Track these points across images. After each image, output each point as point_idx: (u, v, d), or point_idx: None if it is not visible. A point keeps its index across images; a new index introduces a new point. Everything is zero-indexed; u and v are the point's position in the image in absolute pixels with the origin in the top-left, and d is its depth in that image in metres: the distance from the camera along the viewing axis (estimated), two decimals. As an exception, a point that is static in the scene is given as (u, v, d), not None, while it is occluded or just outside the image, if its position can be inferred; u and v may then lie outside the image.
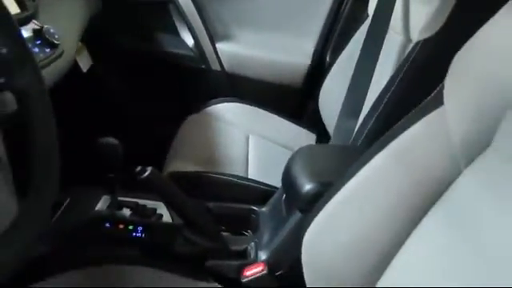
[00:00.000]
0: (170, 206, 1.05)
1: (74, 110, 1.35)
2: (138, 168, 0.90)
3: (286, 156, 1.01)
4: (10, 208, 0.53)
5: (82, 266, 0.92)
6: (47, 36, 0.97)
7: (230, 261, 1.02)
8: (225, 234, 1.11)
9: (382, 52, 1.11)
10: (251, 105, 1.60)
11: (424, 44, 1.01)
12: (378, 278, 0.62)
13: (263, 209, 1.18)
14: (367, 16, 1.34)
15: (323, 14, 1.66)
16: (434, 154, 0.60)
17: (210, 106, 1.55)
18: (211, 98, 1.59)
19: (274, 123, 1.57)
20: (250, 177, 1.29)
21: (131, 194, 1.10)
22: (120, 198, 1.07)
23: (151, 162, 1.16)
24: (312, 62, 1.67)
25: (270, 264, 0.99)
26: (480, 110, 0.55)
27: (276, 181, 1.02)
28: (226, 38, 1.70)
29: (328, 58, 1.66)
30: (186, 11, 1.61)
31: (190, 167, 1.25)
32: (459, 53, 0.61)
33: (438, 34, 0.99)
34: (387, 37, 1.13)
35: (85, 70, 1.44)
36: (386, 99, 1.05)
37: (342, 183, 0.68)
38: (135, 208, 1.06)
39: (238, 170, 1.29)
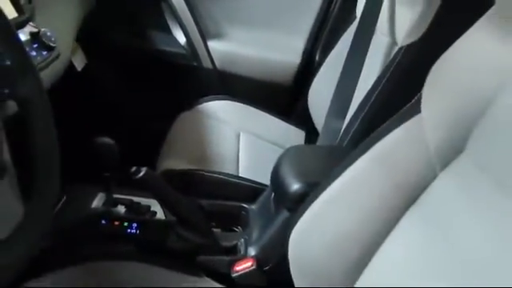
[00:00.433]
0: (163, 205, 1.07)
1: (69, 109, 1.36)
2: (133, 168, 0.92)
3: (275, 153, 1.03)
4: (15, 211, 0.56)
5: (78, 262, 0.93)
6: (44, 39, 0.99)
7: (221, 256, 1.05)
8: (216, 230, 1.14)
9: (369, 53, 1.13)
10: (242, 102, 1.62)
11: (408, 48, 1.02)
12: (358, 275, 0.66)
13: (253, 206, 1.20)
14: (355, 17, 1.35)
15: (313, 13, 1.67)
16: (412, 158, 0.63)
17: (201, 103, 1.57)
18: (203, 95, 1.60)
19: (264, 121, 1.59)
20: (240, 174, 1.31)
21: (126, 192, 1.11)
22: (115, 196, 1.08)
23: (144, 158, 1.17)
24: (302, 60, 1.68)
25: (259, 260, 1.02)
26: (454, 118, 0.58)
27: (265, 178, 1.03)
28: (217, 36, 1.71)
29: (318, 57, 1.67)
30: (178, 9, 1.62)
31: (182, 165, 1.26)
32: (436, 64, 0.64)
33: (421, 39, 1.01)
34: (374, 38, 1.14)
35: (79, 68, 1.45)
36: (371, 100, 1.06)
37: (327, 184, 0.71)
38: (130, 205, 1.07)
39: (229, 168, 1.31)
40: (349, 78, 1.14)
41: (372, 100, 1.06)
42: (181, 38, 1.69)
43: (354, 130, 1.08)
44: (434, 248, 0.56)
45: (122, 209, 1.08)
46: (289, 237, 0.74)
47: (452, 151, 0.59)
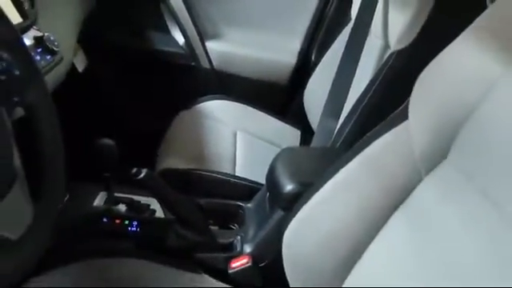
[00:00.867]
0: (163, 204, 1.09)
1: (69, 108, 1.37)
2: (134, 170, 0.94)
3: (271, 152, 1.06)
4: (26, 213, 0.60)
5: (80, 258, 0.95)
6: (48, 43, 1.01)
7: (218, 253, 1.07)
8: (213, 227, 1.16)
9: (362, 55, 1.14)
10: (239, 102, 1.64)
11: (399, 53, 1.05)
12: (348, 274, 0.69)
13: (249, 205, 1.22)
14: (350, 19, 1.36)
15: (309, 14, 1.69)
16: (399, 162, 0.66)
17: (199, 103, 1.59)
18: (201, 94, 1.62)
19: (261, 120, 1.61)
20: (237, 173, 1.33)
21: (126, 190, 1.13)
22: (116, 195, 1.10)
23: (143, 156, 1.20)
24: (298, 60, 1.71)
25: (254, 257, 1.04)
26: (438, 125, 0.61)
27: (261, 177, 1.04)
28: (215, 36, 1.73)
29: (313, 57, 1.69)
30: (177, 10, 1.63)
31: (181, 164, 1.29)
32: (422, 73, 0.66)
33: (412, 45, 1.03)
34: (368, 40, 1.16)
35: (80, 69, 1.46)
36: (363, 103, 1.09)
37: (319, 185, 0.74)
38: (130, 204, 1.09)
39: (226, 167, 1.34)
40: (343, 79, 1.15)
41: (364, 103, 1.09)
42: (179, 39, 1.71)
43: (346, 131, 1.10)
44: (416, 249, 0.59)
45: (122, 207, 1.09)
46: (283, 235, 0.76)
47: (436, 156, 0.62)
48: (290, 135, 1.61)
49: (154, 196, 1.07)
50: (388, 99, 0.78)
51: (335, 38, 1.44)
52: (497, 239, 0.50)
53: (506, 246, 0.49)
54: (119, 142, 1.02)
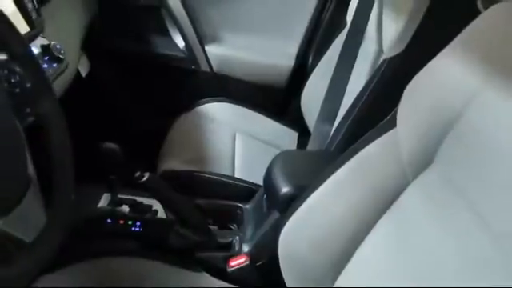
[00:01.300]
0: (164, 205, 1.12)
1: (73, 112, 1.39)
2: (138, 173, 0.97)
3: (269, 153, 1.09)
4: (39, 218, 0.64)
5: (86, 258, 0.96)
6: (54, 52, 1.04)
7: (217, 252, 1.10)
8: (213, 228, 1.19)
9: (357, 59, 1.16)
10: (238, 104, 1.66)
11: (391, 60, 1.06)
12: (338, 271, 0.72)
13: (247, 206, 1.25)
14: (346, 24, 1.38)
15: (306, 19, 1.70)
16: (387, 167, 0.69)
17: (199, 105, 1.61)
18: (201, 97, 1.64)
19: (259, 122, 1.64)
20: (236, 174, 1.36)
21: (129, 192, 1.15)
22: (119, 196, 1.12)
23: (145, 158, 1.22)
24: (295, 64, 1.72)
25: (252, 256, 1.07)
26: (424, 132, 0.63)
27: (259, 178, 1.06)
28: (214, 40, 1.74)
29: (310, 61, 1.71)
30: (178, 15, 1.65)
31: (182, 166, 1.32)
32: (410, 83, 0.69)
33: (404, 52, 1.04)
34: (363, 45, 1.18)
35: (84, 74, 1.48)
36: (357, 108, 1.11)
37: (314, 188, 0.77)
38: (133, 205, 1.11)
39: (225, 168, 1.36)
40: (338, 83, 1.17)
41: (358, 108, 1.11)
42: (180, 43, 1.72)
43: (341, 135, 1.12)
44: (400, 251, 0.62)
45: (126, 208, 1.12)
46: (279, 235, 0.80)
47: (422, 162, 0.64)
48: (287, 137, 1.63)
49: (156, 198, 1.09)
50: (379, 106, 0.79)
51: (332, 42, 1.46)
52: (474, 241, 0.53)
53: (483, 248, 0.52)
54: (121, 143, 1.04)
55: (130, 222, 1.08)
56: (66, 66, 1.09)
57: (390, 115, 0.73)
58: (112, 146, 1.03)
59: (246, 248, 1.11)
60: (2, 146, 0.58)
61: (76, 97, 1.40)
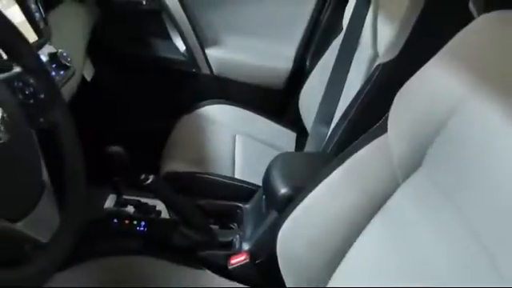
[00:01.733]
0: (168, 206, 1.15)
1: (77, 115, 1.40)
2: (142, 176, 1.00)
3: (268, 154, 1.11)
4: (54, 220, 0.68)
5: (92, 257, 0.99)
6: (61, 59, 1.07)
7: (219, 251, 1.13)
8: (214, 227, 1.22)
9: (353, 63, 1.18)
10: (238, 106, 1.69)
11: (385, 66, 1.08)
12: (332, 270, 0.74)
13: (247, 206, 1.28)
14: (342, 28, 1.39)
15: (304, 22, 1.73)
16: (379, 170, 0.72)
17: (200, 107, 1.64)
18: (201, 99, 1.67)
19: (259, 123, 1.67)
20: (236, 175, 1.39)
21: (134, 193, 1.17)
22: (125, 197, 1.14)
23: (148, 159, 1.25)
24: (293, 66, 1.75)
25: (251, 254, 1.10)
26: (413, 137, 0.65)
27: (259, 178, 1.07)
28: (214, 43, 1.77)
29: (308, 64, 1.73)
30: (178, 19, 1.67)
31: (184, 167, 1.35)
32: (402, 88, 0.71)
33: (396, 58, 1.06)
34: (359, 49, 1.19)
35: (89, 78, 1.51)
36: (352, 112, 1.12)
37: (311, 189, 0.79)
38: (138, 205, 1.13)
39: (225, 169, 1.39)
40: (334, 86, 1.20)
41: (353, 111, 1.12)
42: (180, 46, 1.75)
43: (337, 138, 1.14)
44: (390, 251, 0.65)
45: (131, 209, 1.13)
46: (277, 234, 0.82)
47: (412, 165, 0.67)
48: (286, 138, 1.65)
49: (159, 199, 1.12)
50: (374, 110, 0.80)
51: (329, 46, 1.47)
52: (461, 242, 0.55)
53: (470, 250, 0.54)
54: (124, 145, 1.06)
55: (135, 222, 1.10)
56: (73, 73, 1.12)
57: (382, 119, 0.76)
58: (117, 149, 1.06)
59: (246, 246, 1.14)
60: (18, 156, 0.62)
61: (81, 100, 1.42)
